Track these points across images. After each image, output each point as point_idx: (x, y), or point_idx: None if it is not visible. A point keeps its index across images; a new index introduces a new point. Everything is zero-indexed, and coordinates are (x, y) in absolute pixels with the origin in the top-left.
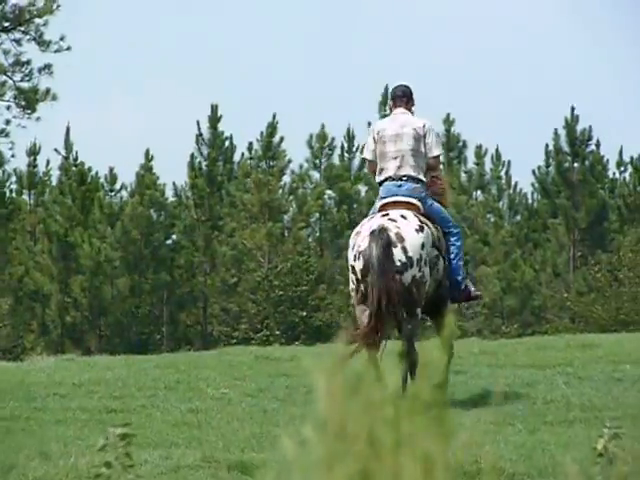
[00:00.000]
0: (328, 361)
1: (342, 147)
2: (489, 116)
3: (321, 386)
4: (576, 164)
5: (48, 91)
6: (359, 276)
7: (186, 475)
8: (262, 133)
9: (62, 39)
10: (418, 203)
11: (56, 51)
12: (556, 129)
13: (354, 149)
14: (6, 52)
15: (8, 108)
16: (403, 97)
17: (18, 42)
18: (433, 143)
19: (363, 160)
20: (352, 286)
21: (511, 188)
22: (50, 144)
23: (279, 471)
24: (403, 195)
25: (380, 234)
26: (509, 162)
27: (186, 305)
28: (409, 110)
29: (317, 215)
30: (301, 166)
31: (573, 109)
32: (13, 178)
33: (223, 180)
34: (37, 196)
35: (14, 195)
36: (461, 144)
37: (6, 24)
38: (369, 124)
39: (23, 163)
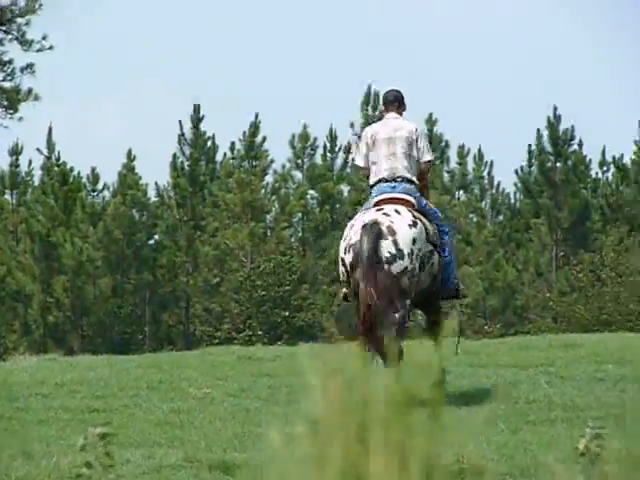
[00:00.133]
0: (321, 361)
1: (324, 147)
2: (471, 116)
3: (316, 385)
4: (559, 164)
5: (30, 91)
6: (348, 268)
7: (168, 475)
8: (244, 133)
9: (44, 38)
10: (412, 200)
11: (38, 50)
12: (539, 129)
13: (336, 149)
14: None
15: None
16: (395, 102)
17: (0, 42)
18: (425, 148)
19: (354, 166)
20: (342, 279)
21: (494, 188)
22: (32, 144)
23: (264, 469)
24: (398, 193)
25: (372, 228)
26: (492, 162)
27: (168, 305)
28: (400, 115)
29: (299, 215)
30: (283, 166)
31: (556, 109)
32: None
33: (205, 180)
34: (19, 196)
35: None
36: (443, 144)
37: None
38: (351, 124)
39: (5, 163)
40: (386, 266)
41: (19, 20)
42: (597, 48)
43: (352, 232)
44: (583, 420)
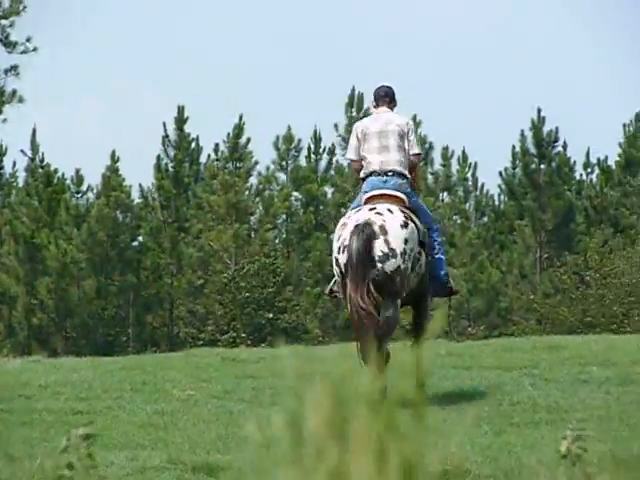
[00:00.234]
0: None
1: (309, 149)
2: (456, 118)
3: (298, 386)
4: (543, 166)
5: (14, 93)
6: (342, 269)
7: (152, 476)
8: (229, 134)
9: (28, 40)
10: (404, 197)
11: (22, 52)
12: (523, 130)
13: (321, 151)
14: None
15: None
16: (386, 97)
17: None
18: (414, 141)
19: (346, 159)
20: (337, 279)
21: (478, 190)
22: (16, 145)
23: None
24: (389, 189)
25: (364, 228)
26: (476, 164)
27: (152, 307)
28: (391, 110)
29: (284, 217)
30: (268, 168)
31: (540, 111)
32: None
33: (189, 181)
34: (3, 197)
35: None
36: (428, 146)
37: None
38: (335, 126)
39: None
40: (379, 265)
41: (3, 22)
42: (581, 50)
43: (345, 232)
44: (567, 422)
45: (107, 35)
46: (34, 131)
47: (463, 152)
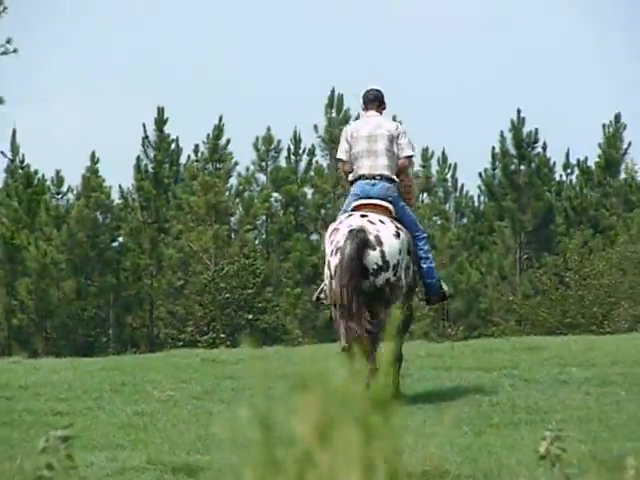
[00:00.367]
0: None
1: (288, 149)
2: (435, 119)
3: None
4: (522, 166)
5: None
6: (332, 272)
7: (131, 477)
8: (208, 135)
9: (9, 42)
10: (390, 206)
11: (2, 53)
12: (502, 131)
13: (300, 152)
14: None
15: None
16: (375, 101)
17: None
18: (405, 144)
19: (338, 161)
20: (326, 282)
21: (457, 191)
22: None
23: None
24: (377, 196)
25: (358, 234)
26: (455, 165)
27: (132, 307)
28: (380, 113)
29: (263, 217)
30: (247, 168)
31: (519, 111)
32: None
33: (169, 182)
34: None
35: None
36: None
37: None
38: (315, 127)
39: None
40: (371, 278)
41: None
42: (561, 51)
43: (338, 235)
44: (547, 423)
45: (87, 36)
46: (14, 132)
47: (443, 153)
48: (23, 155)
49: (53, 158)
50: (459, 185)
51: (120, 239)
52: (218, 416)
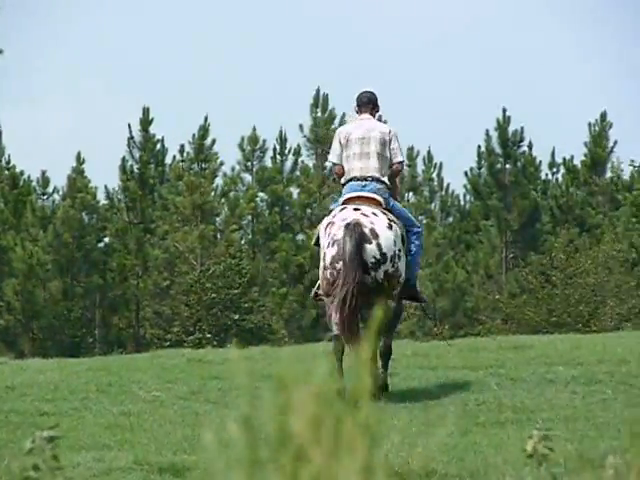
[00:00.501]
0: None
1: (274, 149)
2: (421, 117)
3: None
4: (508, 165)
5: None
6: (327, 263)
7: (118, 477)
8: (194, 135)
9: None
10: (381, 199)
11: None
12: (488, 130)
13: (286, 151)
14: None
15: None
16: (369, 103)
17: None
18: (398, 149)
19: (330, 163)
20: (320, 274)
21: (443, 190)
22: None
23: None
24: (367, 192)
25: (355, 228)
26: (441, 164)
27: (118, 308)
28: (373, 116)
29: (249, 217)
30: (233, 168)
31: (505, 110)
32: None
33: (155, 183)
34: None
35: None
36: None
37: None
38: (301, 126)
39: None
40: (372, 272)
41: None
42: (546, 49)
43: (334, 228)
44: (533, 422)
45: (72, 37)
46: None
47: (428, 152)
48: (9, 156)
49: (39, 159)
50: (445, 184)
51: (106, 240)
52: (204, 416)
